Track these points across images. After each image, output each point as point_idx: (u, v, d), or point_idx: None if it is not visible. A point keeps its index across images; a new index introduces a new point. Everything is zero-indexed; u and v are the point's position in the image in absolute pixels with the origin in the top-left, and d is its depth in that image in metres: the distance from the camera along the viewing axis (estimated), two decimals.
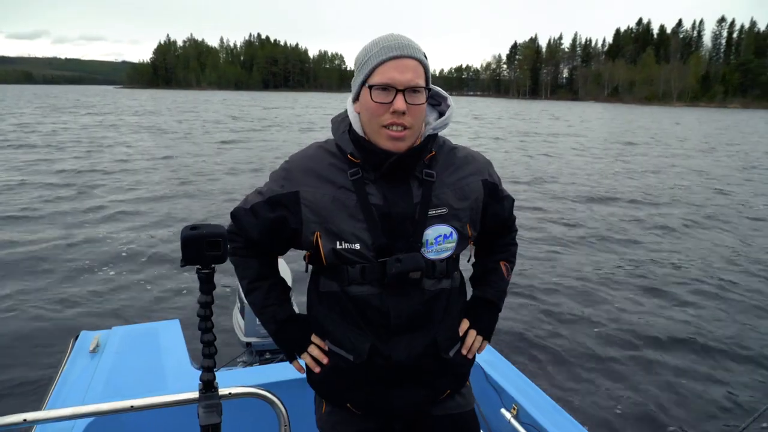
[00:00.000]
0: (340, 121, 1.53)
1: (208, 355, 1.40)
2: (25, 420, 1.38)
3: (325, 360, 1.55)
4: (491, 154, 18.87)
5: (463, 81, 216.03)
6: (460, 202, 1.49)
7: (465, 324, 1.62)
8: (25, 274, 6.76)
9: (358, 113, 1.45)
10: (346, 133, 1.48)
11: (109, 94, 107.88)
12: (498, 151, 21.89)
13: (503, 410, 2.38)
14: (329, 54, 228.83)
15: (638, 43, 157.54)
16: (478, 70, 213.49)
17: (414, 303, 1.46)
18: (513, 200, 1.69)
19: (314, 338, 1.57)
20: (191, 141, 23.36)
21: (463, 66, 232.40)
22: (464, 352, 1.61)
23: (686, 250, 8.74)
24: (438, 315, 1.51)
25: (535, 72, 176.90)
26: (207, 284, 1.35)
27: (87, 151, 19.16)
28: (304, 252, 1.57)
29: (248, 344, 3.17)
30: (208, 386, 1.41)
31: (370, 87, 1.37)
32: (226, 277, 5.80)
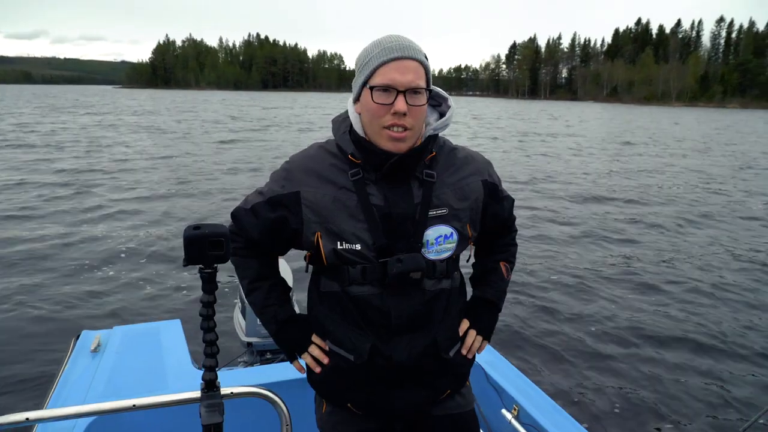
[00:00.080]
0: (341, 122, 1.53)
1: (210, 354, 1.40)
2: (27, 419, 1.39)
3: (325, 360, 1.55)
4: (489, 153, 18.91)
5: (462, 81, 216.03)
6: (461, 202, 1.49)
7: (465, 324, 1.63)
8: (26, 274, 6.77)
9: (359, 114, 1.46)
10: (347, 133, 1.48)
11: (108, 94, 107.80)
12: (496, 151, 21.93)
13: (504, 411, 2.39)
14: (328, 54, 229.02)
15: (637, 43, 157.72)
16: (477, 70, 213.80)
17: (414, 303, 1.46)
18: (513, 200, 1.70)
19: (315, 338, 1.57)
20: (190, 141, 23.36)
21: (462, 66, 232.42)
22: (464, 352, 1.61)
23: (685, 249, 8.75)
24: (438, 315, 1.51)
25: (534, 72, 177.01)
26: (209, 284, 1.35)
27: (86, 150, 19.17)
28: (304, 252, 1.56)
29: (249, 344, 3.18)
30: (210, 385, 1.41)
31: (371, 88, 1.37)
32: (227, 277, 5.81)
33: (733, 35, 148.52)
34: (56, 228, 8.90)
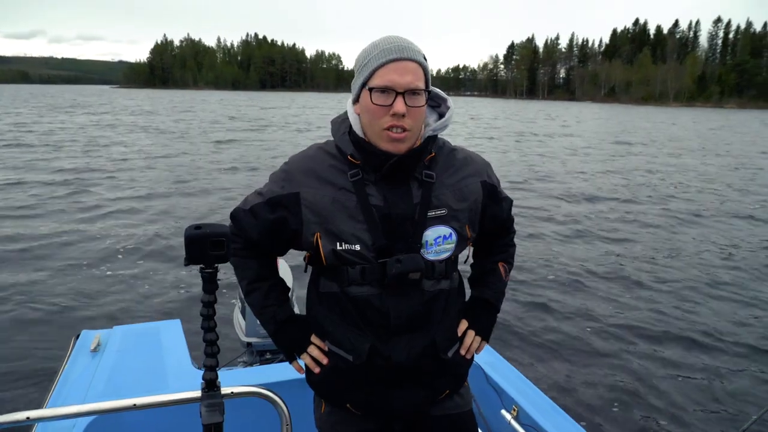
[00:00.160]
0: (340, 123, 1.53)
1: (210, 354, 1.40)
2: (28, 418, 1.39)
3: (324, 360, 1.55)
4: (486, 154, 18.94)
5: (460, 81, 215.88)
6: (460, 203, 1.50)
7: (464, 324, 1.63)
8: (26, 273, 6.77)
9: (359, 115, 1.46)
10: (347, 134, 1.49)
11: (106, 94, 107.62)
12: (494, 151, 21.97)
13: (503, 411, 2.39)
14: (326, 54, 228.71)
15: (635, 44, 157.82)
16: (475, 70, 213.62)
17: (414, 303, 1.46)
18: (511, 201, 1.70)
19: (314, 339, 1.57)
20: (188, 141, 23.36)
21: (461, 66, 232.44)
22: (463, 352, 1.61)
23: (680, 247, 8.78)
24: (437, 316, 1.52)
25: (532, 72, 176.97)
26: (210, 284, 1.35)
27: (85, 150, 19.18)
28: (304, 252, 1.57)
29: (249, 344, 3.19)
30: (211, 385, 1.42)
31: (370, 89, 1.38)
32: (227, 278, 5.81)
33: (731, 36, 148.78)
34: (55, 227, 8.90)
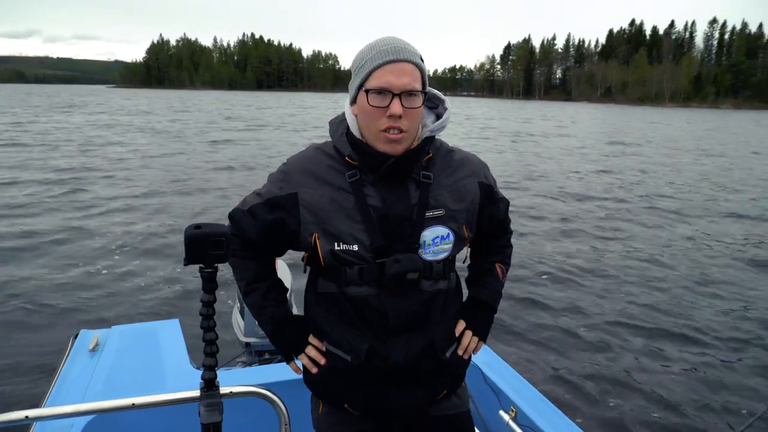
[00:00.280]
0: (338, 124, 1.53)
1: (209, 353, 1.40)
2: (26, 417, 1.39)
3: (322, 361, 1.55)
4: (482, 154, 19.00)
5: (456, 81, 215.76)
6: (457, 203, 1.50)
7: (461, 325, 1.63)
8: (24, 273, 6.76)
9: (356, 116, 1.46)
10: (344, 135, 1.49)
11: (102, 94, 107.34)
12: (490, 152, 22.01)
13: (501, 412, 2.40)
14: (323, 54, 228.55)
15: (631, 44, 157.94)
16: (471, 70, 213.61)
17: (412, 304, 1.47)
18: (508, 202, 1.71)
19: (312, 339, 1.57)
20: (185, 141, 23.31)
21: (457, 66, 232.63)
22: (460, 352, 1.62)
23: (678, 245, 8.81)
24: (435, 316, 1.52)
25: (529, 72, 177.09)
26: (210, 283, 1.36)
27: (82, 150, 19.15)
28: (302, 253, 1.57)
29: (247, 344, 3.19)
30: (210, 385, 1.42)
31: (367, 91, 1.38)
32: (225, 278, 5.81)
33: (726, 36, 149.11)
34: (53, 227, 8.89)
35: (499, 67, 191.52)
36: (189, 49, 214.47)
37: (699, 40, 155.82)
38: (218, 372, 1.45)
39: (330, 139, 1.54)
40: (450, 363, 1.58)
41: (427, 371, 1.54)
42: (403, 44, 1.40)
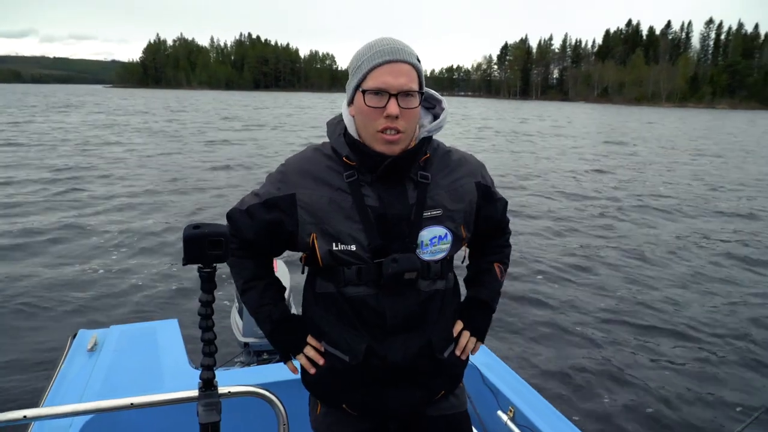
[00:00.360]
0: (336, 124, 1.54)
1: (208, 353, 1.40)
2: (25, 416, 1.39)
3: (321, 361, 1.55)
4: (478, 153, 19.05)
5: (453, 81, 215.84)
6: (455, 203, 1.51)
7: (459, 325, 1.64)
8: (23, 273, 6.74)
9: (353, 116, 1.47)
10: (342, 136, 1.50)
11: (99, 94, 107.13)
12: (486, 152, 22.05)
13: (499, 412, 2.40)
14: (320, 54, 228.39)
15: (627, 45, 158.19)
16: (468, 70, 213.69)
17: (410, 304, 1.47)
18: (506, 202, 1.71)
19: (310, 339, 1.57)
20: (183, 141, 23.27)
21: (454, 66, 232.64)
22: (458, 353, 1.62)
23: (678, 246, 8.84)
24: (433, 316, 1.52)
25: (526, 72, 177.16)
26: (208, 283, 1.36)
27: (81, 149, 19.12)
28: (300, 253, 1.57)
29: (246, 344, 3.20)
30: (208, 384, 1.42)
31: (364, 91, 1.39)
32: (225, 278, 5.82)
33: (722, 37, 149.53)
34: (52, 227, 8.88)
35: (496, 67, 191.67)
36: (186, 48, 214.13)
37: (695, 41, 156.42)
38: (217, 372, 1.45)
39: (328, 140, 1.54)
40: (447, 363, 1.59)
41: (424, 371, 1.54)
42: (399, 45, 1.41)
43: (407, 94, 1.38)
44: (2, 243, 7.94)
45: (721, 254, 8.56)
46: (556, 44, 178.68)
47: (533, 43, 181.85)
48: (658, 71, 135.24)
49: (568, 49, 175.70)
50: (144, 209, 10.42)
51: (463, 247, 1.61)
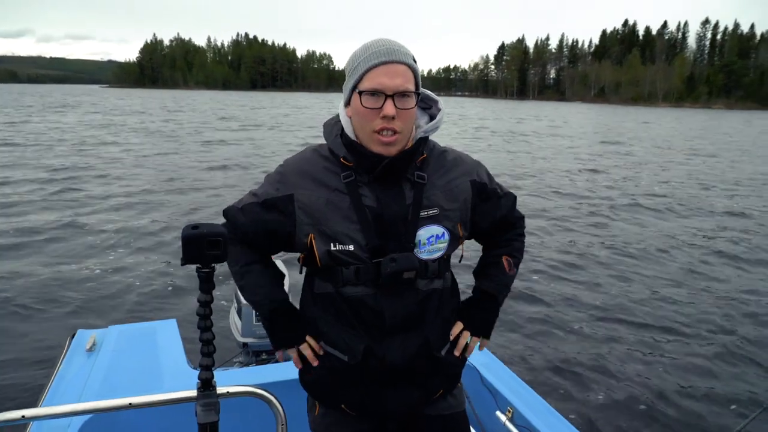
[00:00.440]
0: (333, 125, 1.55)
1: (206, 353, 1.40)
2: (23, 416, 1.38)
3: (315, 363, 1.55)
4: (474, 153, 19.10)
5: (450, 81, 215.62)
6: (450, 203, 1.52)
7: (458, 326, 1.64)
8: (22, 272, 6.74)
9: (350, 117, 1.48)
10: (339, 137, 1.50)
11: (96, 94, 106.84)
12: (482, 152, 22.10)
13: (498, 413, 2.41)
14: (317, 54, 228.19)
15: (624, 45, 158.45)
16: (465, 70, 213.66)
17: (408, 303, 1.48)
18: (514, 197, 1.70)
19: (310, 339, 1.57)
20: (181, 141, 23.25)
21: (451, 66, 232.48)
22: (456, 353, 1.62)
23: (676, 245, 8.88)
24: (431, 315, 1.53)
25: (523, 72, 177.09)
26: (207, 283, 1.36)
27: (78, 150, 19.09)
28: (298, 254, 1.57)
29: (245, 345, 3.20)
30: (206, 384, 1.42)
31: (360, 93, 1.40)
32: (223, 278, 5.83)
33: (718, 37, 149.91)
34: (50, 227, 8.87)
35: (493, 67, 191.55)
36: (183, 48, 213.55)
37: (691, 41, 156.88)
38: (215, 372, 1.45)
39: (325, 141, 1.55)
40: (445, 362, 1.59)
41: (422, 372, 1.55)
42: (395, 46, 1.41)
43: (403, 94, 1.39)
44: (1, 243, 7.93)
45: (715, 252, 8.62)
46: (553, 44, 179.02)
47: (530, 43, 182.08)
48: (654, 71, 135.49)
49: (565, 49, 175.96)
50: (142, 209, 10.42)
51: (461, 246, 1.61)
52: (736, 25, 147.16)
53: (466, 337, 1.64)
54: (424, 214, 1.48)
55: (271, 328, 1.59)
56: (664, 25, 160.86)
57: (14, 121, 31.80)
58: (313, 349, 1.56)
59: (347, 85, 1.46)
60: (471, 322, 1.65)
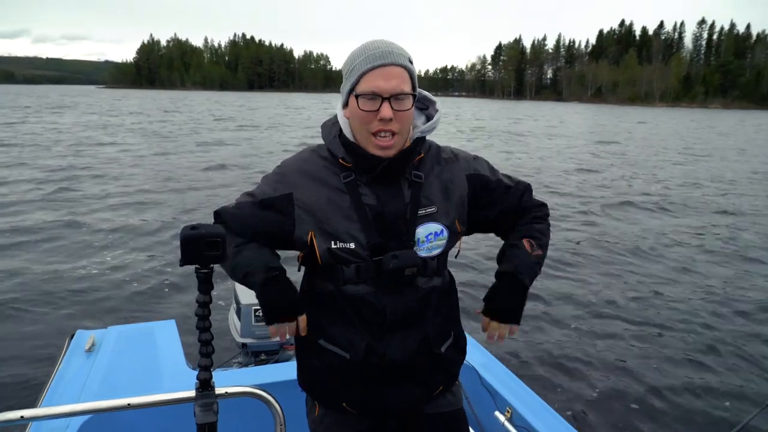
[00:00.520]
0: (331, 126, 1.56)
1: (205, 354, 1.40)
2: (22, 417, 1.38)
3: (304, 333, 1.51)
4: (473, 153, 19.18)
5: (448, 81, 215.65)
6: (447, 200, 1.53)
7: (485, 318, 1.62)
8: (21, 272, 6.73)
9: (348, 119, 1.49)
10: (337, 137, 1.51)
11: (93, 94, 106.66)
12: (482, 152, 22.14)
13: (497, 413, 2.41)
14: (314, 54, 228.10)
15: (621, 45, 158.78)
16: (463, 70, 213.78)
17: (408, 300, 1.49)
18: (525, 186, 1.68)
19: (302, 321, 1.51)
20: (179, 141, 23.24)
21: (448, 67, 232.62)
22: (490, 341, 1.64)
23: (673, 243, 8.90)
24: (430, 312, 1.54)
25: (520, 73, 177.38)
26: (205, 284, 1.36)
27: (75, 150, 19.07)
28: (297, 253, 1.57)
29: (244, 345, 3.21)
30: (205, 385, 1.42)
31: (357, 96, 1.40)
32: (222, 279, 5.83)
33: (715, 37, 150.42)
34: (48, 226, 8.87)
35: (490, 67, 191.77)
36: (180, 49, 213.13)
37: (688, 41, 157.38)
38: (214, 372, 1.45)
39: (323, 143, 1.56)
40: (445, 358, 1.59)
41: (423, 369, 1.55)
42: (391, 47, 1.42)
43: (400, 96, 1.39)
44: (1, 243, 7.92)
45: (712, 250, 8.64)
46: (550, 44, 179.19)
47: (527, 44, 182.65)
48: (651, 71, 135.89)
49: (562, 50, 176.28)
50: (141, 209, 10.41)
51: (458, 242, 1.61)
52: (732, 25, 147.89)
53: (496, 327, 1.60)
54: (421, 212, 1.49)
55: (266, 298, 1.49)
56: (661, 25, 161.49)
57: (11, 121, 31.73)
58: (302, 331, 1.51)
59: (344, 88, 1.47)
60: (496, 309, 1.61)
